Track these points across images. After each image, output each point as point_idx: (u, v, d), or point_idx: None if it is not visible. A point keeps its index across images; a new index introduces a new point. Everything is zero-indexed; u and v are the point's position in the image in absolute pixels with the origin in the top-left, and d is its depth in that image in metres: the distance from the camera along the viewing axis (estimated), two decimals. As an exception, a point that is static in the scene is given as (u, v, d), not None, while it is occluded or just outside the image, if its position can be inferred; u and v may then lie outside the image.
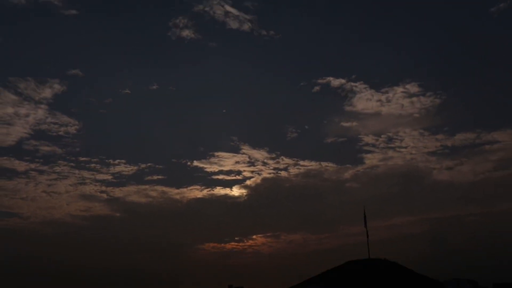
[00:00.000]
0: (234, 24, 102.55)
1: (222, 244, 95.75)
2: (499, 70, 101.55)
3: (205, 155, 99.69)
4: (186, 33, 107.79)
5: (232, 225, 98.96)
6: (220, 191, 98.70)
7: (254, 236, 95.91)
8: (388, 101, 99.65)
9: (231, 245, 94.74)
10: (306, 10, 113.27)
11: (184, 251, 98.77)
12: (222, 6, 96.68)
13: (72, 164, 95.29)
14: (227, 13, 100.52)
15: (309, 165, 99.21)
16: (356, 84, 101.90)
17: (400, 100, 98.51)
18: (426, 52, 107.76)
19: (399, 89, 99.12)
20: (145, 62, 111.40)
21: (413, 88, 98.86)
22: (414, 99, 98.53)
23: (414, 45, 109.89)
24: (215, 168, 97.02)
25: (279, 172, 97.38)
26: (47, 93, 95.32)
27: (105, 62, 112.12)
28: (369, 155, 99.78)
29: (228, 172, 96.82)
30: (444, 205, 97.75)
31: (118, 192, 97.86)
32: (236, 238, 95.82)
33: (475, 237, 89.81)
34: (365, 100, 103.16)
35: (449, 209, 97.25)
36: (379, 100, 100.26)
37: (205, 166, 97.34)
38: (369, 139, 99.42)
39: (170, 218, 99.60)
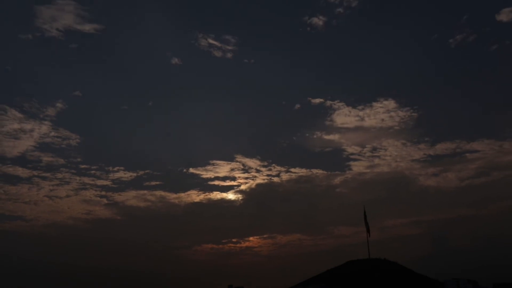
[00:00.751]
0: (217, 53, 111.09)
1: (220, 246, 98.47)
2: (471, 85, 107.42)
3: (201, 163, 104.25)
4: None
5: (229, 227, 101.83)
6: (216, 195, 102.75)
7: (251, 238, 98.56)
8: (368, 115, 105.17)
9: (229, 246, 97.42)
10: (281, 43, 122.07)
11: (183, 252, 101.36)
12: (206, 39, 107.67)
13: (73, 171, 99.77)
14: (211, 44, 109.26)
15: (300, 171, 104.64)
16: (334, 102, 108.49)
17: (379, 115, 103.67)
18: (400, 71, 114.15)
19: (378, 105, 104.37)
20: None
21: (390, 104, 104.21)
22: (393, 113, 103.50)
23: (387, 64, 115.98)
24: (211, 175, 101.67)
25: (272, 178, 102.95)
26: (50, 111, 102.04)
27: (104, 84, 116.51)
28: (356, 163, 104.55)
29: (224, 178, 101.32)
30: (434, 208, 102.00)
31: (117, 197, 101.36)
32: (233, 240, 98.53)
33: (471, 238, 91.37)
34: (344, 115, 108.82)
35: (439, 212, 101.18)
36: (358, 116, 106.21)
37: (201, 173, 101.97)
38: (353, 149, 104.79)
39: (168, 220, 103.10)
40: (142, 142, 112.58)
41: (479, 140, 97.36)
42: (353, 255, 67.38)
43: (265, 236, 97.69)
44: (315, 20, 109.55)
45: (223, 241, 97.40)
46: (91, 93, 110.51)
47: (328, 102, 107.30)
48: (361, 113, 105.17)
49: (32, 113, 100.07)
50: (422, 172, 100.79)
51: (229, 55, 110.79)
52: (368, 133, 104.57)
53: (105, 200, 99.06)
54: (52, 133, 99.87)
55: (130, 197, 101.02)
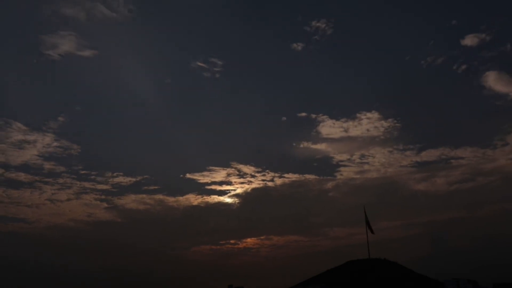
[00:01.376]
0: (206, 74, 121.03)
1: (219, 246, 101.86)
2: (445, 100, 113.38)
3: (197, 169, 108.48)
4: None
5: (227, 229, 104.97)
6: (214, 199, 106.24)
7: (248, 239, 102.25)
8: (353, 127, 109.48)
9: (227, 247, 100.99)
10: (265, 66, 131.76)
11: (183, 253, 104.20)
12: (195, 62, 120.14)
13: (74, 176, 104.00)
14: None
15: (293, 177, 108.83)
16: (318, 115, 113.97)
17: (364, 126, 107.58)
18: (381, 86, 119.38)
19: (362, 116, 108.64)
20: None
21: (373, 115, 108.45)
22: (377, 124, 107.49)
23: (369, 80, 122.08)
24: (207, 180, 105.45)
25: (267, 183, 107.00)
26: (53, 124, 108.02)
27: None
28: (346, 168, 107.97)
29: (220, 183, 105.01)
30: (427, 210, 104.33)
31: (117, 200, 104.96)
32: (231, 241, 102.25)
33: (470, 238, 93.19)
34: (328, 127, 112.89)
35: (433, 214, 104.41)
36: (342, 127, 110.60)
37: (198, 178, 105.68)
38: (341, 157, 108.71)
39: (168, 223, 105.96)
40: (140, 150, 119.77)
41: (463, 147, 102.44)
42: (353, 255, 67.45)
43: (262, 237, 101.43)
44: (294, 45, 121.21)
45: (221, 242, 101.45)
46: (90, 107, 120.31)
47: (313, 115, 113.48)
48: (345, 125, 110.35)
49: (36, 126, 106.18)
50: (411, 177, 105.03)
51: (217, 75, 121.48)
52: (355, 142, 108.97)
53: (105, 204, 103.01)
54: (55, 144, 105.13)
55: (129, 201, 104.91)
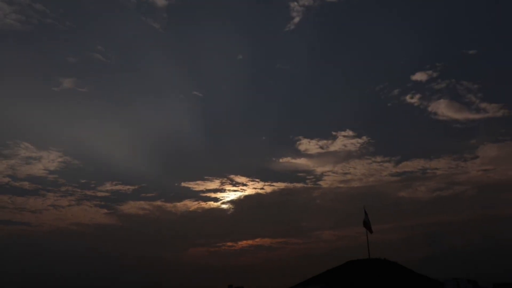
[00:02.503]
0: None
1: (217, 248, 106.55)
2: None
3: (191, 179, 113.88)
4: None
5: (224, 232, 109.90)
6: (209, 205, 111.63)
7: (244, 242, 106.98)
8: (330, 144, 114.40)
9: (224, 248, 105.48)
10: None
11: (182, 253, 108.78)
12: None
13: (75, 184, 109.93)
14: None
15: (282, 185, 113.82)
16: (294, 136, 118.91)
17: (340, 142, 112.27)
18: (354, 109, 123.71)
19: (337, 134, 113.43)
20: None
21: (348, 133, 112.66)
22: (352, 140, 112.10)
23: (340, 106, 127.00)
24: (202, 188, 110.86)
25: (258, 190, 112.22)
26: (58, 146, 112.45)
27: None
28: (330, 178, 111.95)
29: (215, 190, 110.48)
30: (415, 213, 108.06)
31: (117, 206, 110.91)
32: (228, 244, 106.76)
33: (469, 239, 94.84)
34: (306, 145, 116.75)
35: (423, 217, 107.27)
36: (318, 145, 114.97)
37: (192, 186, 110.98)
38: (324, 169, 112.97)
39: (166, 226, 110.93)
40: (138, 162, 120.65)
41: (436, 160, 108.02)
42: (353, 255, 67.55)
43: (257, 240, 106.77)
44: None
45: (218, 244, 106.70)
46: (91, 133, 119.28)
47: (290, 136, 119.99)
48: (320, 143, 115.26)
49: (42, 146, 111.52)
50: (393, 186, 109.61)
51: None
52: (334, 156, 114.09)
53: (105, 210, 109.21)
54: (59, 159, 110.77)
55: (129, 207, 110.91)
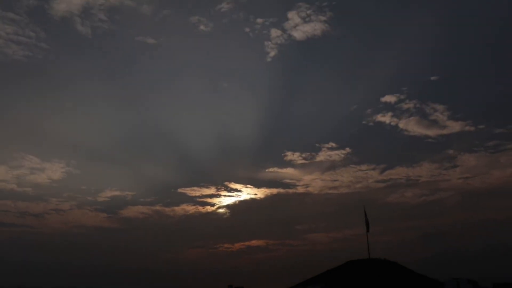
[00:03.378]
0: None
1: (216, 250, 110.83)
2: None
3: (188, 185, 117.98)
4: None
5: (221, 234, 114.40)
6: (207, 209, 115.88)
7: (242, 243, 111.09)
8: (314, 156, 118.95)
9: (222, 249, 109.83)
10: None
11: (182, 254, 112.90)
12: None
13: (76, 190, 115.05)
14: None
15: (274, 191, 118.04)
16: (282, 151, 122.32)
17: (324, 153, 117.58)
18: (336, 124, 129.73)
19: (321, 146, 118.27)
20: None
21: (331, 145, 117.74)
22: (336, 151, 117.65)
23: (324, 119, 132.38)
24: (198, 193, 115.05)
25: (252, 196, 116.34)
26: (61, 161, 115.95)
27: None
28: (319, 184, 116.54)
29: (211, 196, 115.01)
30: (407, 217, 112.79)
31: (117, 210, 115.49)
32: (225, 246, 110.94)
33: (467, 239, 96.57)
34: (290, 156, 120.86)
35: (408, 221, 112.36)
36: (302, 157, 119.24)
37: (189, 192, 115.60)
38: (312, 177, 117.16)
39: (165, 229, 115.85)
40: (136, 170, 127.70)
41: (419, 167, 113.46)
42: (353, 255, 67.72)
43: (253, 241, 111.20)
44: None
45: (216, 245, 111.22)
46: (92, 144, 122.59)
47: (277, 149, 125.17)
48: (304, 155, 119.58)
49: (47, 158, 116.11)
50: (380, 191, 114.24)
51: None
52: (319, 166, 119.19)
53: (105, 214, 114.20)
54: (62, 170, 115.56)
55: (128, 211, 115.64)
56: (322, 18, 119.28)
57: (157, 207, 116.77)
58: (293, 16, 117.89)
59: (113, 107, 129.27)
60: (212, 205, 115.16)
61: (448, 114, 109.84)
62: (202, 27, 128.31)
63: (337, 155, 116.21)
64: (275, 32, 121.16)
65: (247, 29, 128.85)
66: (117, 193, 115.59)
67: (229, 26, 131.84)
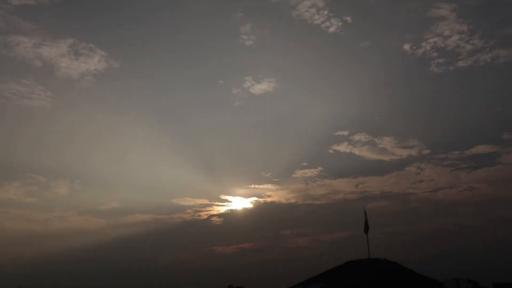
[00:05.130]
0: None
1: (215, 251, 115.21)
2: None
3: (180, 196, 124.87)
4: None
5: (218, 238, 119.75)
6: (202, 216, 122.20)
7: (239, 245, 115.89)
8: (293, 172, 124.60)
9: (221, 250, 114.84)
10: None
11: (181, 256, 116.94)
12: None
13: (77, 201, 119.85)
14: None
15: (261, 200, 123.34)
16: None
17: (300, 171, 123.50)
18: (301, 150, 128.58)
19: (295, 165, 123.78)
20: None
21: (304, 164, 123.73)
22: (311, 169, 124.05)
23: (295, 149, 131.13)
24: (191, 203, 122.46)
25: (244, 205, 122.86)
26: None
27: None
28: (300, 195, 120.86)
29: (204, 205, 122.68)
30: (396, 221, 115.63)
31: (117, 218, 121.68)
32: (222, 247, 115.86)
33: (467, 239, 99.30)
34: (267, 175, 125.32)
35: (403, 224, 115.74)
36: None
37: (183, 203, 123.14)
38: (291, 190, 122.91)
39: (164, 233, 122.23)
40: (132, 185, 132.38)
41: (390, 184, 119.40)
42: (353, 255, 67.71)
43: (249, 244, 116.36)
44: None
45: (213, 248, 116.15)
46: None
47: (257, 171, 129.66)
48: (279, 175, 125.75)
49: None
50: (359, 201, 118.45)
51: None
52: (297, 182, 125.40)
53: (105, 221, 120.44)
54: (67, 187, 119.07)
55: (128, 219, 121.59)
56: (273, 79, 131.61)
57: (155, 216, 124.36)
58: (248, 78, 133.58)
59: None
60: (205, 212, 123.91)
61: (395, 144, 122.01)
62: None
63: (311, 172, 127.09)
64: (236, 90, 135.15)
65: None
66: (117, 205, 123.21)
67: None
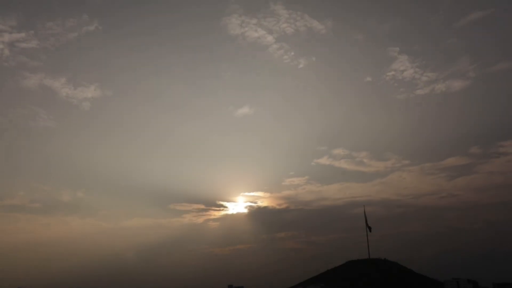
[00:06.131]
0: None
1: (214, 252, 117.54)
2: None
3: (178, 202, 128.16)
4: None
5: (217, 240, 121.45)
6: (199, 219, 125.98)
7: (237, 247, 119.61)
8: (283, 180, 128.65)
9: (219, 251, 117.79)
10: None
11: (181, 256, 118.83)
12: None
13: (79, 208, 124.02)
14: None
15: (255, 206, 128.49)
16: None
17: (288, 179, 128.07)
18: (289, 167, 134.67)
19: (284, 175, 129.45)
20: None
21: (291, 173, 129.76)
22: (299, 178, 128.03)
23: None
24: (188, 208, 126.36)
25: (238, 210, 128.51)
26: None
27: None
28: (291, 200, 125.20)
29: (201, 210, 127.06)
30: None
31: (119, 223, 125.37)
32: (220, 248, 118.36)
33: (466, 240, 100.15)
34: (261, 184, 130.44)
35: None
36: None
37: (181, 208, 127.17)
38: (282, 196, 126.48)
39: (163, 235, 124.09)
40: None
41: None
42: (353, 255, 67.74)
43: (248, 245, 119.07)
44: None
45: (211, 249, 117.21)
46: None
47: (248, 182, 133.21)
48: (272, 185, 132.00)
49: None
50: (347, 206, 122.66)
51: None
52: (286, 189, 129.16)
53: (107, 224, 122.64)
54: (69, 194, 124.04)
55: (129, 223, 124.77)
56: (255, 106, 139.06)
57: (155, 220, 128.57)
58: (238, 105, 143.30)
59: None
60: (202, 217, 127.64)
61: (370, 157, 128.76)
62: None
63: (299, 180, 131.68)
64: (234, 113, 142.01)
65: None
66: (116, 211, 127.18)
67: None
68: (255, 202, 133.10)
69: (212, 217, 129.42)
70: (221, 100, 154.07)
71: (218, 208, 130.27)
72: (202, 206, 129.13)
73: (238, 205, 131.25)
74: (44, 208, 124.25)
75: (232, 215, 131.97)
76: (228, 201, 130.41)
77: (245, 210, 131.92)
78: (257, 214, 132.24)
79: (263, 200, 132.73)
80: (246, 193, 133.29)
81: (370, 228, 59.96)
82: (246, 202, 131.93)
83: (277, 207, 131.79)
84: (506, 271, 63.16)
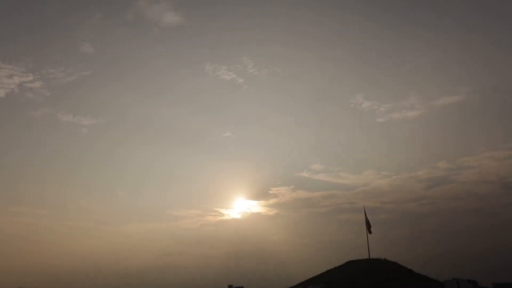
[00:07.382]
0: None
1: (213, 253, 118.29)
2: None
3: (175, 208, 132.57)
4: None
5: (215, 242, 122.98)
6: (197, 224, 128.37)
7: (230, 248, 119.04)
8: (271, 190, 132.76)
9: (214, 252, 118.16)
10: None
11: (181, 257, 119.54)
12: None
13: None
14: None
15: (249, 211, 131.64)
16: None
17: (275, 188, 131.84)
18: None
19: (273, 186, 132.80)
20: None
21: (277, 183, 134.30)
22: (286, 187, 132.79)
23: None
24: (185, 213, 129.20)
25: (234, 216, 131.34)
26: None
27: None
28: (285, 207, 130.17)
29: (199, 215, 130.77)
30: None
31: (118, 227, 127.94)
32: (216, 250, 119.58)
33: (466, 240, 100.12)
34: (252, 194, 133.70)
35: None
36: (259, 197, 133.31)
37: (177, 213, 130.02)
38: (273, 204, 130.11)
39: (163, 238, 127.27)
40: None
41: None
42: (353, 255, 67.85)
43: (242, 247, 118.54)
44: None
45: (211, 250, 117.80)
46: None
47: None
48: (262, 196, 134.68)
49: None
50: (339, 211, 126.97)
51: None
52: (274, 197, 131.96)
53: (108, 228, 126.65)
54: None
55: (129, 227, 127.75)
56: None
57: (155, 224, 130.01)
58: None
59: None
60: (199, 222, 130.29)
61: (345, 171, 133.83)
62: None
63: (286, 190, 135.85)
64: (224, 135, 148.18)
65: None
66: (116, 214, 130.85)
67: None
68: (249, 208, 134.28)
69: (207, 222, 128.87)
70: (210, 124, 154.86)
71: (214, 213, 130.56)
72: (198, 213, 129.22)
73: (232, 210, 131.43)
74: (48, 214, 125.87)
75: (227, 220, 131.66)
76: (223, 207, 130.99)
77: (239, 216, 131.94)
78: (250, 220, 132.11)
79: (255, 206, 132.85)
80: (241, 200, 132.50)
81: (370, 229, 59.78)
82: (240, 208, 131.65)
83: (270, 213, 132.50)
84: (506, 271, 63.54)
